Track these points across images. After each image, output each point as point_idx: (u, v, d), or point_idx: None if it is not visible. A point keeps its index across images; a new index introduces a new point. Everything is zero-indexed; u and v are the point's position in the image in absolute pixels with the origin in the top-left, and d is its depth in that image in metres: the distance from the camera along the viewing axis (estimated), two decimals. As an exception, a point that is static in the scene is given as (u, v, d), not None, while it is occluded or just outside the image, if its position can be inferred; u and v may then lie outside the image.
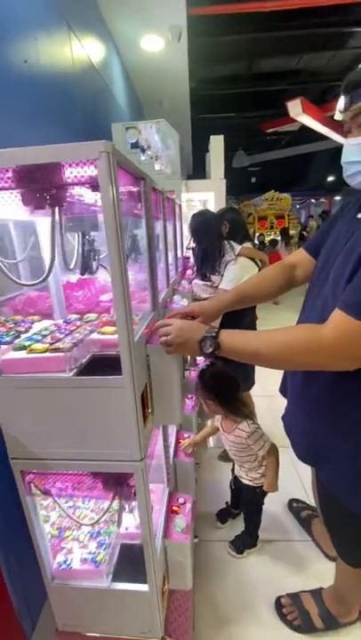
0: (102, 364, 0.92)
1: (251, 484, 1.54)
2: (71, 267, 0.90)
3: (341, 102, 0.81)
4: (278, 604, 1.38)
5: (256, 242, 7.65)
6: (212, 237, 1.91)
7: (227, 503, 1.86)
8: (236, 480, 1.66)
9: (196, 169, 7.62)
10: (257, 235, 8.10)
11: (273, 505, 1.88)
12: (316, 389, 0.89)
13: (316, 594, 1.34)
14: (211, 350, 0.84)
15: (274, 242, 7.35)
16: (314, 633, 1.28)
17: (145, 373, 0.94)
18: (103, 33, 2.69)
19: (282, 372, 1.12)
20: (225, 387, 1.43)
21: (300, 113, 4.62)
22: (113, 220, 0.69)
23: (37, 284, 0.86)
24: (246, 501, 1.66)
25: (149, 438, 0.99)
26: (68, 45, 1.90)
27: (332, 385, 0.83)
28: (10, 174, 0.73)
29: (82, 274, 0.86)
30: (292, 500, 1.88)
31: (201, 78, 4.92)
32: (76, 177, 0.72)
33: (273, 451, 1.48)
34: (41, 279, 0.85)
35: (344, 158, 0.83)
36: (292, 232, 8.27)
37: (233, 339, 0.85)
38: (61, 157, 0.66)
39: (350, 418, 0.83)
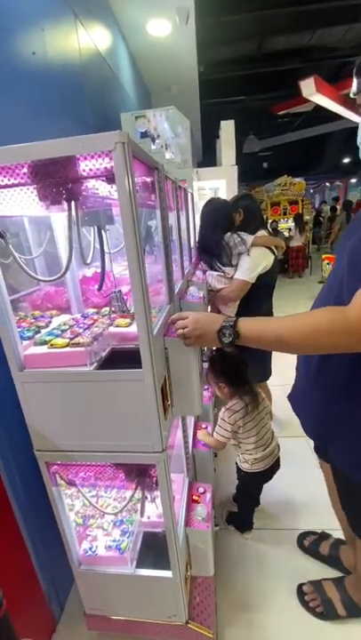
0: (122, 358, 0.93)
1: (238, 464, 1.61)
2: (88, 261, 0.90)
3: (355, 85, 0.81)
4: (300, 592, 1.38)
5: (269, 229, 7.51)
6: (218, 230, 1.86)
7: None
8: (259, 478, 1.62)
9: (207, 156, 7.47)
10: (270, 221, 7.92)
11: (299, 493, 1.88)
12: (330, 368, 0.89)
13: (339, 581, 1.34)
14: (230, 340, 0.84)
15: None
16: (337, 620, 1.28)
17: (164, 366, 0.94)
18: (109, 20, 2.63)
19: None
20: (235, 369, 1.44)
21: (313, 92, 4.44)
22: (130, 213, 0.68)
23: (56, 279, 0.86)
24: (241, 484, 1.69)
25: (170, 430, 1.00)
26: (74, 35, 1.87)
27: (348, 362, 0.83)
28: (25, 170, 0.73)
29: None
30: (302, 536, 1.61)
31: (209, 62, 4.77)
32: (91, 170, 0.71)
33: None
34: (59, 275, 0.86)
35: (360, 139, 0.82)
36: (306, 218, 8.04)
37: (252, 326, 0.84)
38: (76, 150, 0.66)
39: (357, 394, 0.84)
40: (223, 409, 1.49)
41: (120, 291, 1.02)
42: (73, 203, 0.76)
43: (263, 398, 1.54)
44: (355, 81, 0.81)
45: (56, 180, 0.73)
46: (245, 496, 1.71)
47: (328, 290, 0.93)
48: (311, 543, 1.58)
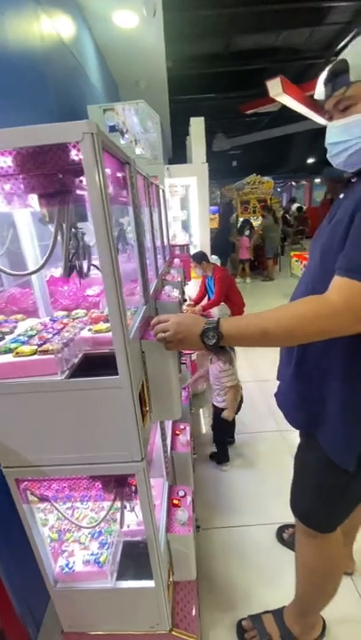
0: (95, 364, 0.88)
1: (218, 405, 2.08)
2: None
3: (321, 90, 0.84)
4: (240, 629, 1.31)
5: (238, 226, 7.61)
6: None
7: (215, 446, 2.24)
8: (213, 408, 2.15)
9: (177, 153, 7.43)
10: (240, 220, 8.04)
11: (273, 487, 1.91)
12: (311, 355, 0.91)
13: (278, 614, 1.30)
14: (214, 341, 0.82)
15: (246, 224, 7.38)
16: None
17: (141, 370, 0.90)
18: (73, 9, 2.51)
19: (273, 357, 1.11)
20: None
21: (280, 93, 4.52)
22: (101, 209, 0.63)
23: (33, 273, 0.79)
24: (215, 420, 2.15)
25: (149, 436, 0.96)
26: (35, 21, 1.75)
27: (325, 348, 0.86)
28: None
29: (67, 275, 0.77)
30: (280, 530, 1.68)
31: (178, 57, 4.72)
32: (57, 162, 0.65)
33: (236, 387, 2.00)
34: (38, 267, 0.78)
35: (328, 140, 0.86)
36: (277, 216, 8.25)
37: (235, 325, 0.83)
38: (40, 140, 0.59)
39: (339, 377, 0.86)
40: (217, 373, 1.99)
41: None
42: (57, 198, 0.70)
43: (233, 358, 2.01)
44: (322, 87, 0.84)
45: (20, 173, 0.67)
46: (221, 429, 2.17)
47: (305, 287, 0.94)
48: (290, 535, 1.61)
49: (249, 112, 7.01)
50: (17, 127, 0.59)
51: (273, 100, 5.31)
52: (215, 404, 2.10)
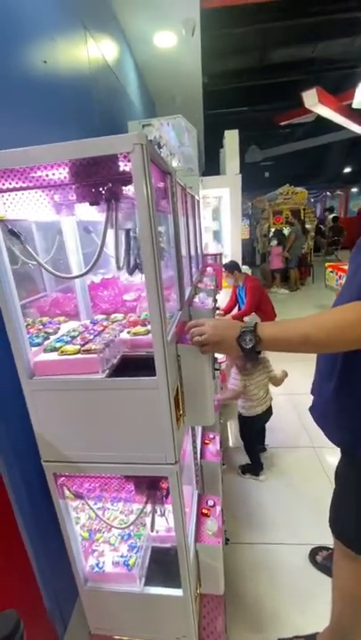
0: (133, 365, 0.90)
1: (240, 411, 2.11)
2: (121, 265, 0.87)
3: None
4: None
5: (270, 235, 7.54)
6: None
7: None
8: (253, 421, 2.12)
9: (210, 165, 7.54)
10: (272, 230, 7.96)
11: (310, 507, 1.83)
12: (356, 371, 0.88)
13: (310, 638, 1.25)
14: (251, 345, 0.81)
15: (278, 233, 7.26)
16: None
17: (176, 374, 0.91)
18: (117, 32, 2.67)
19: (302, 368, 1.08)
20: None
21: (315, 103, 4.49)
22: (147, 217, 0.66)
23: (82, 275, 0.85)
24: (241, 428, 2.18)
25: (182, 440, 0.96)
26: (84, 45, 1.89)
27: None
28: (40, 172, 0.71)
29: (130, 274, 0.83)
30: (314, 551, 1.60)
31: (212, 73, 4.84)
32: (109, 172, 0.70)
33: (237, 392, 2.01)
34: (86, 270, 0.83)
35: None
36: (308, 226, 8.09)
37: (273, 329, 0.82)
38: (94, 151, 0.64)
39: None
40: (233, 368, 2.02)
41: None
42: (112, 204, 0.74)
43: (265, 364, 2.05)
44: None
45: (77, 182, 0.72)
46: (249, 440, 2.16)
47: (349, 297, 0.91)
48: (324, 559, 1.53)
49: (284, 123, 7.01)
50: (74, 140, 0.64)
51: (308, 111, 5.28)
52: (239, 410, 2.12)
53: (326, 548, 1.55)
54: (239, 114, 6.75)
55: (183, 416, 1.00)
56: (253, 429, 2.14)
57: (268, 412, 2.12)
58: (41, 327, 1.07)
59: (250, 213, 10.20)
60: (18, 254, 0.88)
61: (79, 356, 0.83)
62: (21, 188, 0.76)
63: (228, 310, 3.56)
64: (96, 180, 0.69)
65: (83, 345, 0.86)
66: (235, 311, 3.52)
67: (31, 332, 1.01)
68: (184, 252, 1.47)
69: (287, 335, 0.80)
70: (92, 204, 0.72)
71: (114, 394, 0.81)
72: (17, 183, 0.74)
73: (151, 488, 0.95)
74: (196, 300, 1.41)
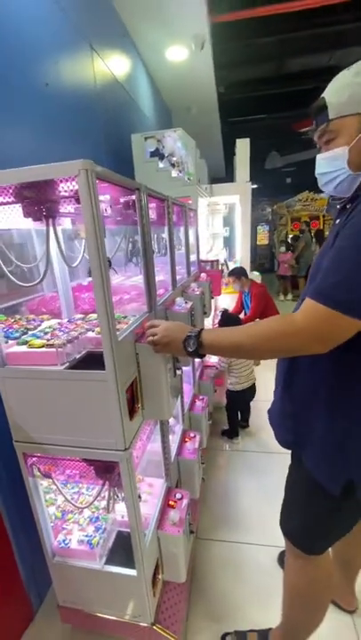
0: (95, 360, 1.01)
1: (228, 387, 2.54)
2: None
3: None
4: None
5: (289, 241, 7.48)
6: None
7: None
8: (238, 396, 2.54)
9: (229, 172, 7.62)
10: (290, 236, 7.90)
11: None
12: (298, 377, 0.94)
13: (263, 635, 1.29)
14: (193, 349, 0.91)
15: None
16: None
17: (133, 370, 1.01)
18: (128, 47, 2.83)
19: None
20: (231, 323, 2.34)
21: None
22: (93, 230, 0.77)
23: (32, 285, 0.96)
24: (227, 400, 2.60)
25: (138, 430, 1.05)
26: (90, 64, 2.04)
27: (311, 371, 0.90)
28: (12, 190, 0.84)
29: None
30: (282, 553, 1.60)
31: (230, 82, 4.94)
32: (66, 191, 0.81)
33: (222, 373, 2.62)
34: (35, 282, 0.96)
35: (317, 170, 0.91)
36: (327, 233, 7.96)
37: (214, 336, 0.91)
38: (45, 176, 0.75)
39: (325, 401, 0.88)
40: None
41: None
42: (51, 219, 0.86)
43: None
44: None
45: (37, 200, 0.84)
46: (232, 410, 2.59)
47: (302, 298, 0.98)
48: None
49: (303, 130, 6.96)
50: (31, 166, 0.75)
51: (327, 118, 5.25)
52: (228, 386, 2.55)
53: None
54: (259, 121, 6.79)
55: (142, 409, 1.09)
56: (238, 402, 2.59)
57: (252, 390, 2.55)
58: (24, 323, 1.20)
59: (269, 219, 10.15)
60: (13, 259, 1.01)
61: (43, 349, 0.94)
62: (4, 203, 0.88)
63: None
64: (44, 199, 0.81)
65: (49, 340, 0.98)
66: (240, 317, 3.58)
67: (14, 327, 1.14)
68: (166, 258, 1.57)
69: (224, 341, 0.90)
70: (34, 219, 0.83)
71: (69, 384, 0.91)
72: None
73: (108, 472, 1.04)
74: (175, 303, 1.50)
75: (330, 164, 0.86)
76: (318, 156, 0.89)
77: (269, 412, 1.12)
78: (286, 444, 1.03)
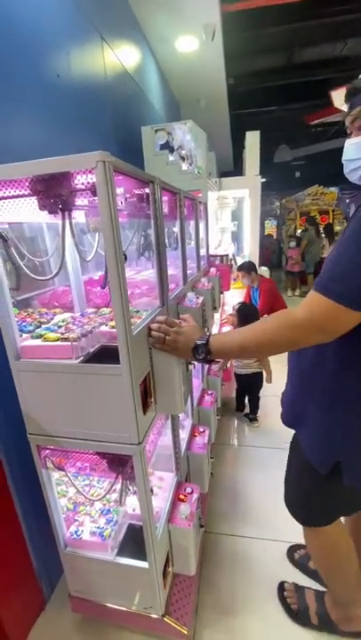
0: (109, 354, 1.01)
1: (236, 371, 2.67)
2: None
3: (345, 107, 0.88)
4: (281, 588, 1.43)
5: (298, 235, 7.39)
6: None
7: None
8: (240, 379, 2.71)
9: (239, 165, 7.53)
10: (298, 231, 7.80)
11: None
12: (303, 365, 0.99)
13: (320, 594, 1.36)
14: (203, 357, 0.94)
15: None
16: (309, 628, 1.29)
17: (146, 364, 1.01)
18: (138, 38, 2.79)
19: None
20: (251, 315, 2.43)
21: (344, 103, 4.36)
22: (110, 223, 0.76)
23: (48, 279, 0.96)
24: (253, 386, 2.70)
25: (151, 424, 1.06)
26: (100, 56, 2.02)
27: (314, 361, 0.94)
28: (27, 183, 0.83)
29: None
30: (292, 549, 1.63)
31: (240, 73, 4.84)
32: (82, 184, 0.80)
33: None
34: (51, 276, 0.95)
35: (344, 156, 0.89)
36: (337, 228, 7.85)
37: (220, 342, 0.94)
38: (62, 168, 0.75)
39: (324, 389, 0.93)
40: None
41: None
42: (67, 212, 0.85)
43: None
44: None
45: (53, 193, 0.83)
46: (238, 389, 2.81)
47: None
48: (301, 557, 1.57)
49: (314, 122, 6.84)
50: (46, 158, 0.74)
51: (339, 110, 5.14)
52: (234, 369, 2.71)
53: (305, 547, 1.59)
54: (269, 113, 6.67)
55: (155, 404, 1.09)
56: (239, 383, 2.77)
57: (257, 379, 2.60)
58: (37, 317, 1.20)
59: (277, 214, 10.03)
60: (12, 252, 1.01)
61: (58, 343, 0.94)
62: (16, 196, 0.88)
63: None
64: (60, 191, 0.80)
65: (63, 334, 0.98)
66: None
67: (27, 321, 1.14)
68: (178, 253, 1.56)
69: (230, 346, 0.92)
70: (50, 212, 0.83)
71: (84, 377, 0.91)
72: (14, 191, 0.85)
73: (121, 466, 1.05)
74: (186, 298, 1.50)
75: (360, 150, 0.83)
76: (347, 141, 0.88)
77: (282, 393, 1.18)
78: (287, 422, 1.10)
